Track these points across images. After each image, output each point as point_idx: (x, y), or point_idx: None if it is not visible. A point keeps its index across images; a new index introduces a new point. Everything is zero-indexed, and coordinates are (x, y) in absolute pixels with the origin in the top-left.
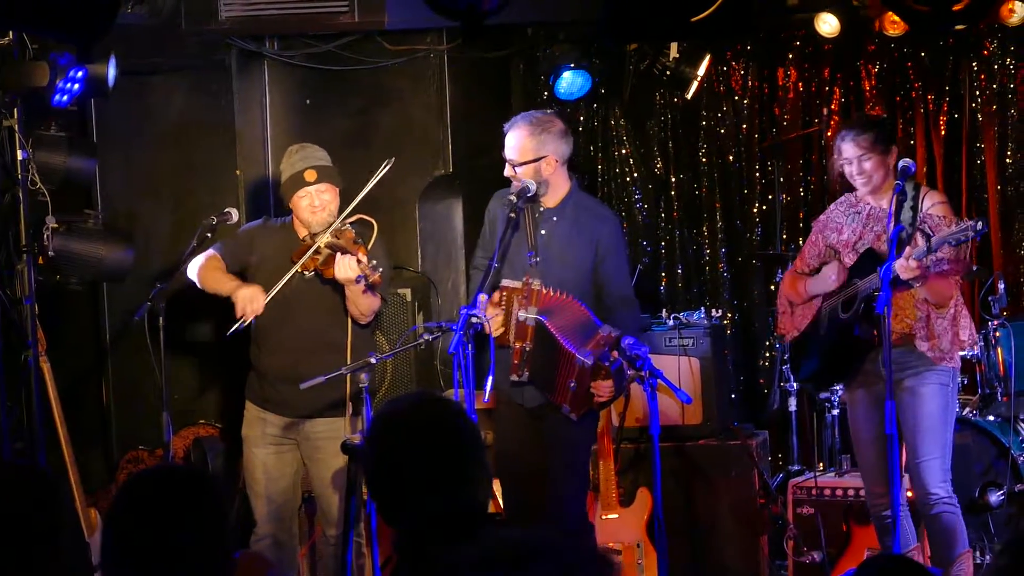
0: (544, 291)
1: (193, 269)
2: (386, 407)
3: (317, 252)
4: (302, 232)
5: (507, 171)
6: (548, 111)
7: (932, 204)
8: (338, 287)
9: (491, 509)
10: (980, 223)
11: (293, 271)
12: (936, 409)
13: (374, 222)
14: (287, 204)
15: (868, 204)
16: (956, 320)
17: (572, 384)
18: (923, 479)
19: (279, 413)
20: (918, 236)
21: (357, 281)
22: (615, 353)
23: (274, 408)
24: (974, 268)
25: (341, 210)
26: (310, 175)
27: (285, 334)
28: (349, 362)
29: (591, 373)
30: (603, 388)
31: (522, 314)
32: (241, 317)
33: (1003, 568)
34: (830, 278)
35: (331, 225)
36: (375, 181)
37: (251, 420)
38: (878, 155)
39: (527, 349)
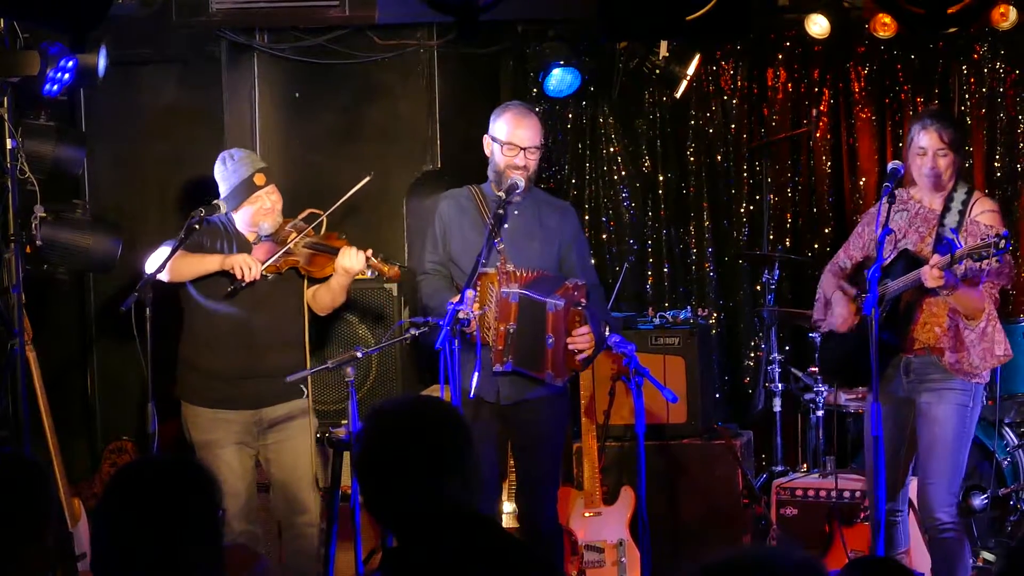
0: (520, 272)
1: (164, 268)
2: (382, 404)
3: (289, 253)
4: (250, 235)
5: (519, 160)
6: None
7: (982, 211)
8: (294, 286)
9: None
10: (1003, 241)
11: (269, 263)
12: (951, 431)
13: (323, 214)
14: (233, 210)
15: (918, 204)
16: (986, 334)
17: (550, 339)
18: (928, 502)
19: (242, 409)
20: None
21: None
22: (584, 300)
23: (238, 405)
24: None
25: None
26: (260, 179)
27: (246, 332)
28: (308, 351)
29: (565, 320)
30: (581, 337)
31: (505, 290)
32: (241, 279)
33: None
34: (839, 320)
35: (287, 224)
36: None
37: (207, 424)
38: (954, 154)
39: (511, 331)
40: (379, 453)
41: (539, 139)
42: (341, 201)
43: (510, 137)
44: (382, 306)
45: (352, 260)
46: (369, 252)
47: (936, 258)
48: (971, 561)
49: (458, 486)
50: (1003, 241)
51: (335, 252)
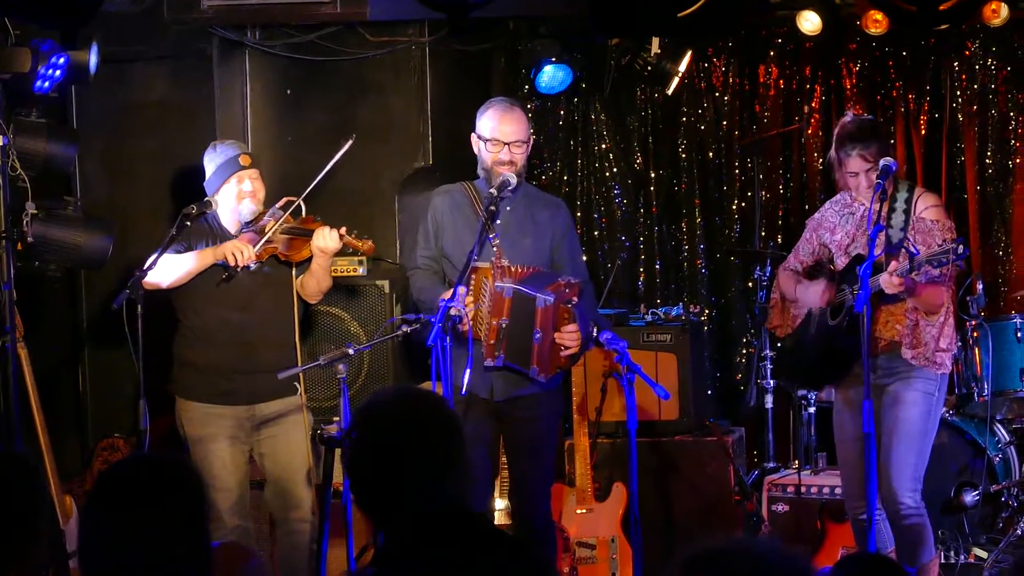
0: (515, 268)
1: (159, 272)
2: (370, 400)
3: (270, 242)
4: (233, 226)
5: (504, 155)
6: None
7: (925, 207)
8: (285, 282)
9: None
10: (961, 247)
11: (258, 248)
12: (917, 416)
13: (301, 202)
14: (216, 191)
15: (863, 205)
16: (943, 327)
17: (537, 334)
18: (893, 486)
19: (236, 403)
20: (903, 252)
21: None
22: (575, 299)
23: (232, 400)
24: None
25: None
26: (245, 159)
27: (239, 329)
28: (298, 349)
29: (554, 316)
30: (568, 334)
31: (499, 284)
32: (235, 265)
33: None
34: (817, 297)
35: (265, 214)
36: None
37: (201, 419)
38: None
39: (503, 326)
40: (377, 447)
41: (524, 133)
42: (321, 175)
43: (494, 133)
44: (374, 303)
45: (326, 240)
46: (343, 230)
47: (895, 265)
48: (935, 548)
49: (454, 482)
50: (961, 247)
51: (310, 234)
